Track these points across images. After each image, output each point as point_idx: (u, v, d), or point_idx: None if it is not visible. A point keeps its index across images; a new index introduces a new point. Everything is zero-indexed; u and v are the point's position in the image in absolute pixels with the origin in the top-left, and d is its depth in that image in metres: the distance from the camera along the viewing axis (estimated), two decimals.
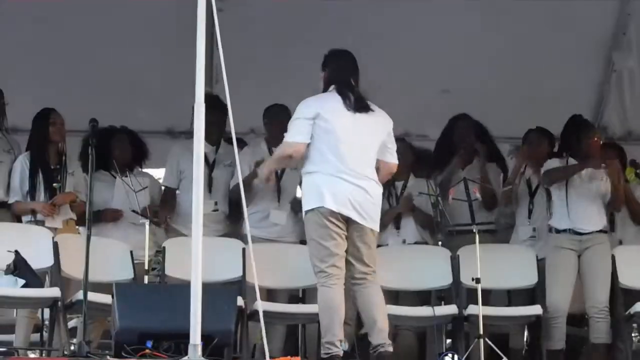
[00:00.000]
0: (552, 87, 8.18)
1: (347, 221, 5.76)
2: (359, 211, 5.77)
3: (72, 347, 6.26)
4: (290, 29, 7.81)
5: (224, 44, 4.88)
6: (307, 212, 5.81)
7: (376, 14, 7.70)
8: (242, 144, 6.99)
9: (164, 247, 6.86)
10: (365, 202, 5.81)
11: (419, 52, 7.89)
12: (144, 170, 7.73)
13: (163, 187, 7.62)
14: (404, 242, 7.07)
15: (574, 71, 8.34)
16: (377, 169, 5.97)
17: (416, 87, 8.01)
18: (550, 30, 7.74)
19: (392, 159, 5.99)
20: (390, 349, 5.85)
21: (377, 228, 5.97)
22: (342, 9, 7.57)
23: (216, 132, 6.70)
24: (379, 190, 5.93)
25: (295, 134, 5.83)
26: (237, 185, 5.95)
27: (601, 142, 7.31)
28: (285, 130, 6.30)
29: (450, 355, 7.00)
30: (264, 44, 7.75)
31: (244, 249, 6.56)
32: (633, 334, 7.63)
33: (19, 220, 7.20)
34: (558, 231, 7.08)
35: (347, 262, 5.85)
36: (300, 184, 6.55)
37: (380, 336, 5.81)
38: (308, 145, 5.80)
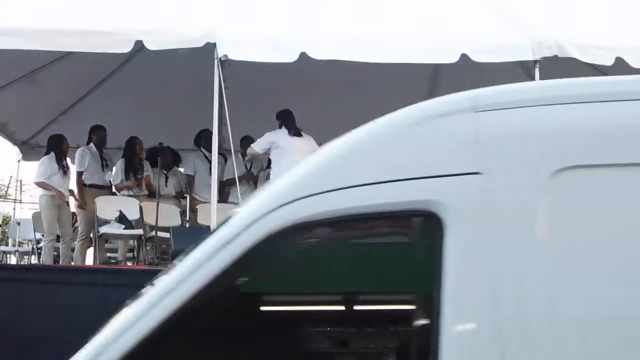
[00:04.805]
0: None
1: None
2: None
3: (149, 260, 8.69)
4: (258, 98, 9.71)
5: (227, 103, 6.89)
6: None
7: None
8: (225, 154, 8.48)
9: (196, 209, 9.27)
10: None
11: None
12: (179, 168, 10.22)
13: (186, 175, 9.92)
14: None
15: None
16: None
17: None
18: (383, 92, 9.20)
19: None
20: None
21: None
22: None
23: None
24: None
25: (255, 146, 8.48)
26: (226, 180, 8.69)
27: None
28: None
29: None
30: (247, 104, 9.17)
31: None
32: None
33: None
34: None
35: None
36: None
37: None
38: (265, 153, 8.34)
